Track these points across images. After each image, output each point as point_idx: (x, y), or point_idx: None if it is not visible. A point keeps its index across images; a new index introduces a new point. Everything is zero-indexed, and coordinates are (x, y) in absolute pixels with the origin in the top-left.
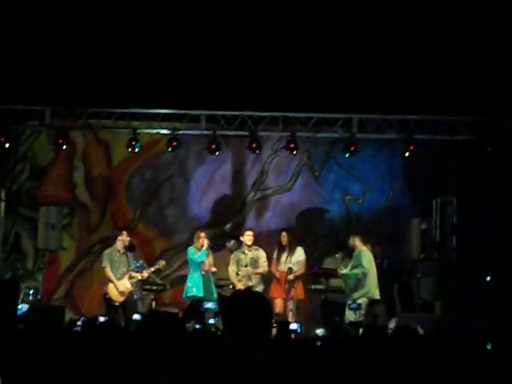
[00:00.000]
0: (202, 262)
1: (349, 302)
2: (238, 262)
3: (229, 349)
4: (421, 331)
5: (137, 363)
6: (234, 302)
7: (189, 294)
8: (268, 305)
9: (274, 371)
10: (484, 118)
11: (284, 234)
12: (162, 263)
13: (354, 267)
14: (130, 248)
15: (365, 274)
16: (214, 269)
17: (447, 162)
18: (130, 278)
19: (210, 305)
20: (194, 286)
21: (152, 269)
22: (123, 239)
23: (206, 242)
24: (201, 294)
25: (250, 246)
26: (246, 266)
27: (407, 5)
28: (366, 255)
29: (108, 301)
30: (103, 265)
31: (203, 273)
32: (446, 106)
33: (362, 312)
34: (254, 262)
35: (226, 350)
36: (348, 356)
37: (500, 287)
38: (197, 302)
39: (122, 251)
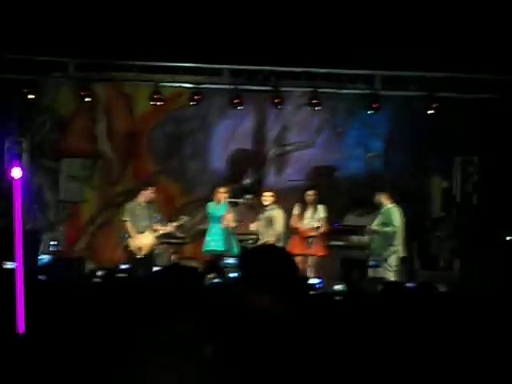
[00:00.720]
0: (222, 216)
1: (371, 260)
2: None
3: (247, 301)
4: (442, 289)
5: (154, 315)
6: (254, 255)
7: (208, 248)
8: (290, 259)
9: (295, 323)
10: (505, 77)
11: (310, 192)
12: (184, 218)
13: (384, 224)
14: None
15: (395, 233)
16: (232, 223)
17: (469, 120)
18: (155, 231)
19: (230, 259)
20: (212, 240)
21: (175, 223)
22: (147, 194)
23: (224, 197)
24: (220, 248)
25: (266, 206)
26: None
27: None
28: (396, 213)
29: (129, 253)
30: (124, 218)
31: (222, 227)
32: (469, 64)
33: (389, 268)
34: (269, 223)
35: (245, 302)
36: (366, 311)
37: None
38: (217, 257)
39: (143, 205)
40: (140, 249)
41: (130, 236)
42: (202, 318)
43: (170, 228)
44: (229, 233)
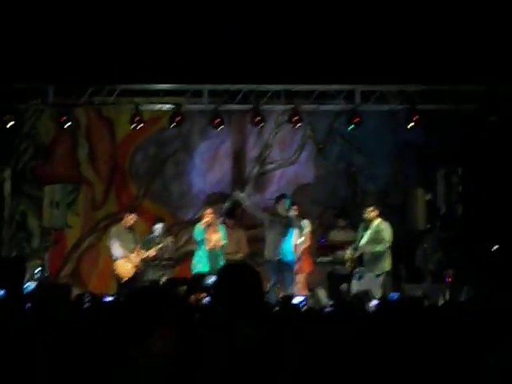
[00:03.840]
0: (204, 238)
1: (355, 273)
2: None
3: (219, 321)
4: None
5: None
6: (222, 274)
7: (195, 271)
8: (257, 276)
9: (264, 344)
10: (487, 87)
11: (296, 207)
12: (169, 240)
13: (374, 241)
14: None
15: (387, 249)
16: (220, 243)
17: (451, 132)
18: (138, 255)
19: (212, 279)
20: (198, 263)
21: (159, 246)
22: (127, 220)
23: (209, 218)
24: (206, 269)
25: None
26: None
27: None
28: (387, 229)
29: (117, 277)
30: (111, 241)
31: (207, 249)
32: (449, 76)
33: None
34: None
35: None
36: (354, 327)
37: (506, 257)
38: (200, 276)
39: (128, 229)
40: (127, 271)
41: (122, 257)
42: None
43: (153, 251)
44: (215, 254)
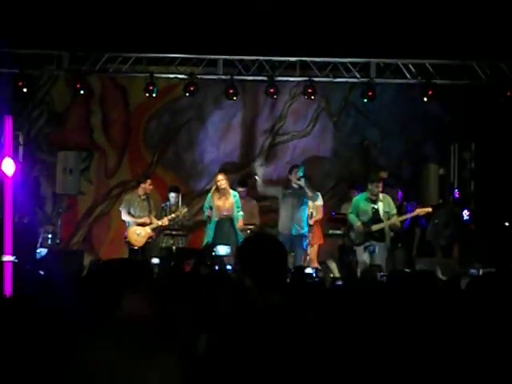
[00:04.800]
0: (212, 205)
1: (367, 245)
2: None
3: (242, 290)
4: (440, 275)
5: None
6: (246, 244)
7: (207, 239)
8: (282, 247)
9: (289, 312)
10: (503, 62)
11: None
12: (182, 210)
13: (386, 213)
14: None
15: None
16: (231, 211)
17: (465, 107)
18: (151, 223)
19: (223, 249)
20: (207, 233)
21: (173, 215)
22: (145, 187)
23: (220, 183)
24: (209, 239)
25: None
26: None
27: None
28: (391, 201)
29: (128, 245)
30: (120, 208)
31: (216, 219)
32: (465, 51)
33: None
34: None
35: (240, 291)
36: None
37: None
38: (209, 247)
39: (142, 197)
40: (137, 240)
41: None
42: (197, 307)
43: (166, 221)
44: (224, 222)
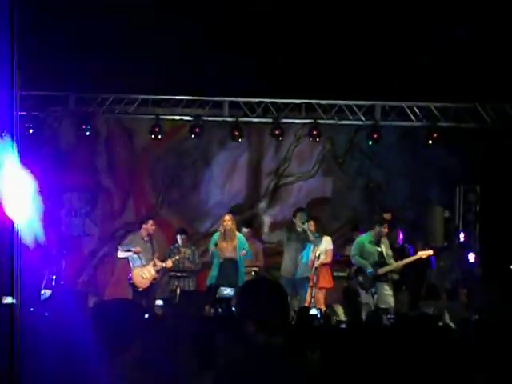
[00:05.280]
0: (217, 247)
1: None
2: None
3: (242, 331)
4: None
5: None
6: (246, 288)
7: (211, 282)
8: (282, 290)
9: (288, 353)
10: (507, 104)
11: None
12: (187, 251)
13: (389, 256)
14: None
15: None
16: (229, 254)
17: (470, 149)
18: (154, 265)
19: (227, 291)
20: (210, 274)
21: (176, 257)
22: (147, 227)
23: (228, 225)
24: (212, 281)
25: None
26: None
27: None
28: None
29: (132, 286)
30: (118, 246)
31: (220, 260)
32: (469, 94)
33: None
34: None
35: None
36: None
37: None
38: (214, 288)
39: (146, 238)
40: (142, 282)
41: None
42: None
43: (170, 263)
44: (229, 264)
